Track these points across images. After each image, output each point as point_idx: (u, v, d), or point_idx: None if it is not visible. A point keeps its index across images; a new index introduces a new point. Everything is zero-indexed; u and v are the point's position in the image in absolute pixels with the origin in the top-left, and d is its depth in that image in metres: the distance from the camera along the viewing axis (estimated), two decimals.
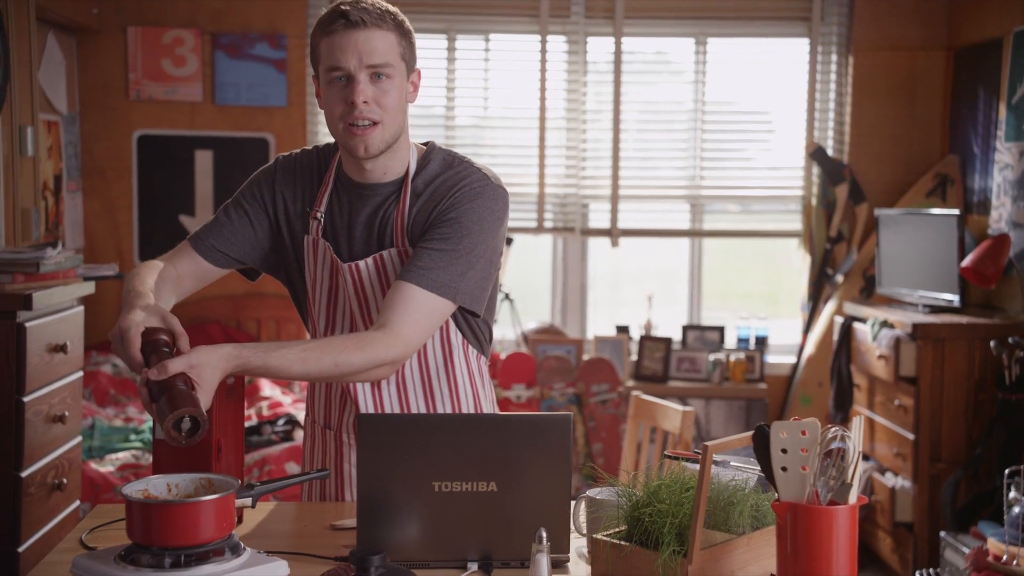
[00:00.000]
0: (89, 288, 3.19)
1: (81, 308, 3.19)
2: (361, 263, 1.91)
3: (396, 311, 1.80)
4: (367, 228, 1.93)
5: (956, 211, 4.32)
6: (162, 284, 1.88)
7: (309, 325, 2.04)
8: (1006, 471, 3.52)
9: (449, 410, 1.99)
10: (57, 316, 3.01)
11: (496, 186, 1.92)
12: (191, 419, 1.56)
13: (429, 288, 1.81)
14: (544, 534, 1.48)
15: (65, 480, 3.09)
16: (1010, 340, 3.90)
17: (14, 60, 3.80)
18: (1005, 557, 3.29)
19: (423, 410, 1.98)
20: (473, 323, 2.00)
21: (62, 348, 3.02)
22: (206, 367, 1.63)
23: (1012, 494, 3.47)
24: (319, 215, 1.94)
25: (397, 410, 1.98)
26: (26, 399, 2.85)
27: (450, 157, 1.96)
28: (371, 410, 1.96)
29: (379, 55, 1.83)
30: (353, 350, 1.75)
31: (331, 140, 1.99)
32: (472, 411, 2.02)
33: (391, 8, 1.89)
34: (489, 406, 2.06)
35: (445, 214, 1.87)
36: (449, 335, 1.97)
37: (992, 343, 3.94)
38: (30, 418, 2.86)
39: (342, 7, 1.84)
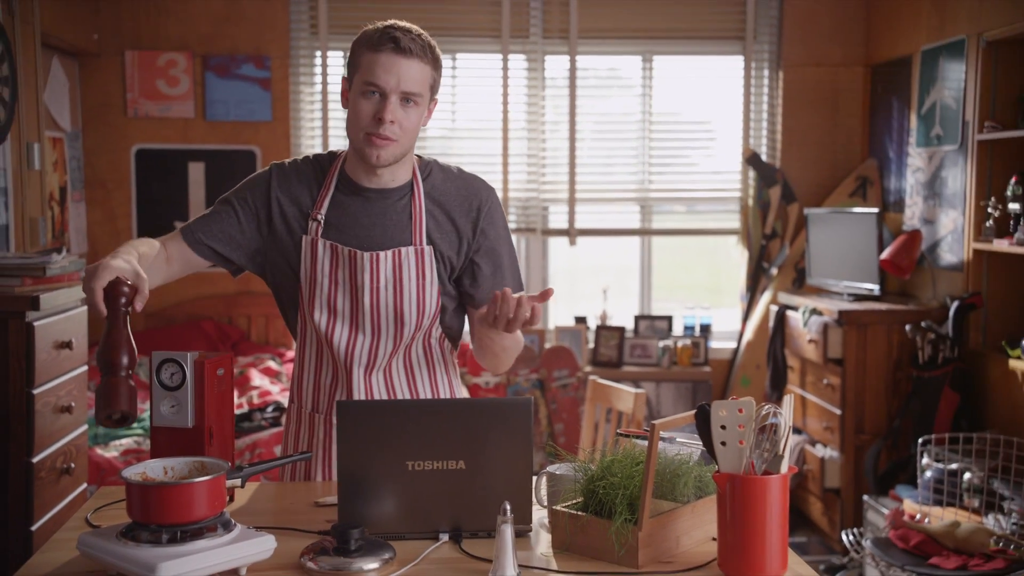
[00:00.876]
0: None
1: (84, 308, 3.15)
2: (381, 254, 1.89)
3: None
4: (378, 228, 1.91)
5: (875, 209, 4.37)
6: (151, 257, 1.85)
7: (298, 321, 1.99)
8: (920, 440, 3.56)
9: (429, 395, 2.00)
10: (63, 316, 2.97)
11: (491, 186, 2.02)
12: (121, 413, 1.56)
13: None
14: (508, 507, 1.48)
15: (73, 465, 3.05)
16: (923, 324, 3.95)
17: (21, 82, 3.74)
18: (919, 516, 3.34)
19: (407, 395, 1.98)
20: (450, 320, 2.00)
21: (68, 345, 2.98)
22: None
23: (925, 460, 3.51)
24: (319, 217, 1.91)
25: (385, 395, 1.97)
26: (35, 391, 2.81)
27: (442, 166, 1.99)
28: (363, 395, 1.95)
29: (414, 84, 1.84)
30: (515, 340, 1.95)
31: (321, 151, 1.98)
32: (447, 396, 2.02)
33: (432, 42, 1.89)
34: (461, 391, 2.09)
35: (489, 228, 1.96)
36: (439, 340, 2.00)
37: (907, 327, 3.98)
38: (39, 409, 2.83)
39: (394, 32, 1.84)
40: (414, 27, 1.88)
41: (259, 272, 2.01)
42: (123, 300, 1.60)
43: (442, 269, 1.95)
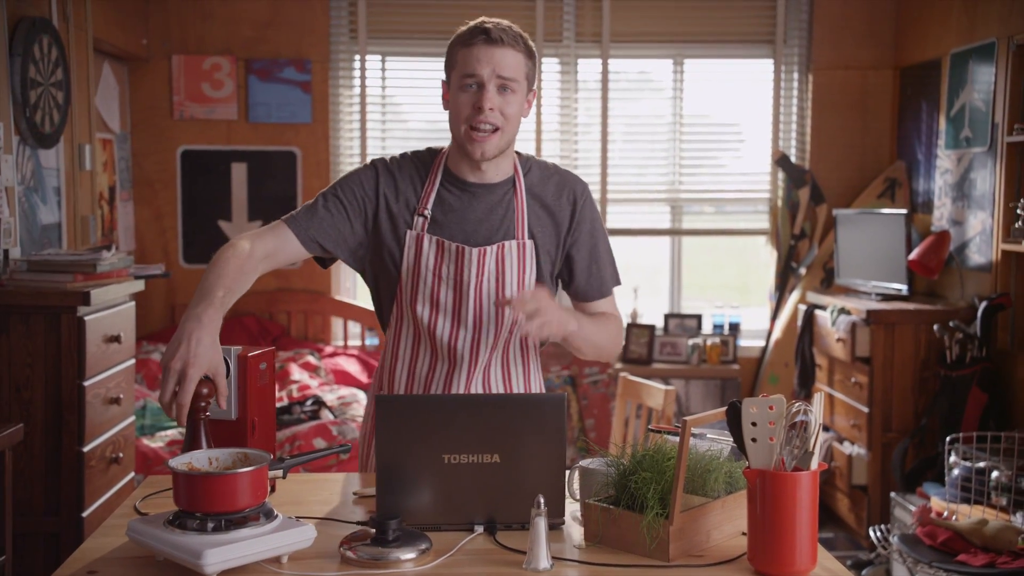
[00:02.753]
0: (139, 286, 3.19)
1: (132, 303, 3.19)
2: (488, 248, 1.90)
3: (612, 307, 2.04)
4: (485, 222, 1.92)
5: (904, 211, 4.31)
6: (244, 272, 1.78)
7: (394, 313, 1.97)
8: (947, 439, 3.52)
9: (522, 390, 2.00)
10: (112, 311, 3.01)
11: (585, 182, 2.04)
12: None
13: (617, 284, 2.07)
14: (542, 500, 1.48)
15: (121, 454, 3.09)
16: (951, 324, 3.89)
17: (74, 86, 3.80)
18: (946, 513, 3.29)
19: (501, 390, 1.97)
20: None
21: (117, 339, 3.02)
22: (554, 317, 1.78)
23: (952, 458, 3.47)
24: (426, 212, 1.91)
25: (486, 388, 1.95)
26: (86, 383, 2.85)
27: (539, 162, 2.02)
28: (476, 388, 1.94)
29: (510, 70, 1.85)
30: (615, 327, 2.01)
31: (408, 149, 2.00)
32: (536, 390, 2.03)
33: (523, 33, 1.91)
34: (539, 386, 2.07)
35: (585, 223, 1.98)
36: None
37: (935, 327, 3.93)
38: (90, 400, 2.87)
39: (485, 25, 1.87)
40: (504, 20, 1.90)
41: (357, 266, 1.98)
42: (202, 405, 1.65)
43: (543, 263, 1.96)
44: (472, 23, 1.89)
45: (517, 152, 1.99)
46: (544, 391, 2.08)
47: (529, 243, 1.93)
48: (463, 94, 1.86)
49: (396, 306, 1.97)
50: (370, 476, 1.96)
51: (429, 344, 1.95)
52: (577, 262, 1.99)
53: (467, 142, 1.87)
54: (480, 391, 1.96)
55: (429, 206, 1.92)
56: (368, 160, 1.98)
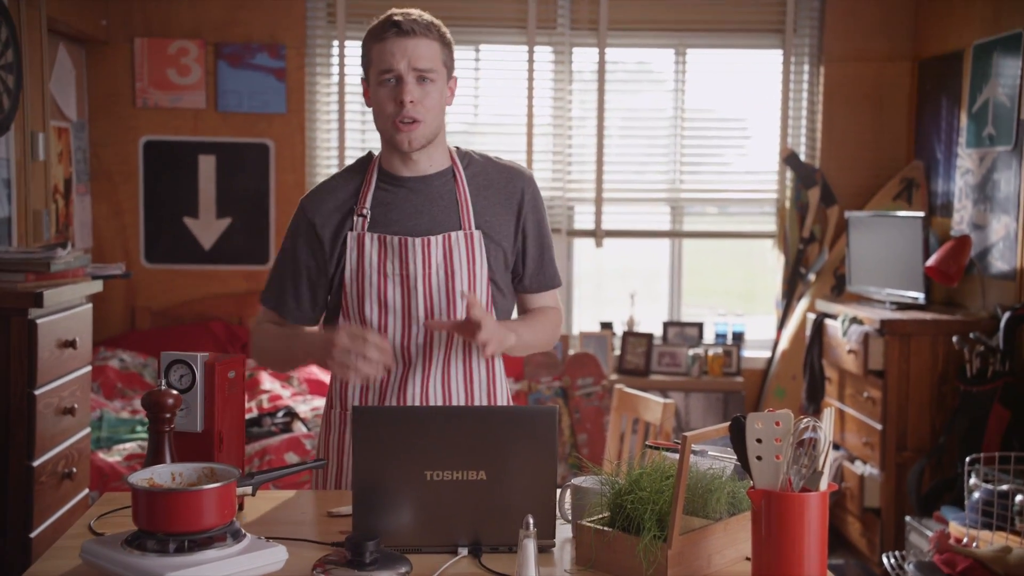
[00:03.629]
0: (97, 287, 3.17)
1: (89, 305, 3.17)
2: (432, 239, 1.98)
3: (555, 299, 2.16)
4: (425, 214, 2.01)
5: (921, 213, 4.34)
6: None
7: (341, 319, 2.04)
8: (967, 459, 3.53)
9: (485, 399, 2.05)
10: (67, 313, 3.00)
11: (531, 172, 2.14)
12: None
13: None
14: (531, 520, 1.48)
15: (75, 469, 3.07)
16: (971, 335, 3.91)
17: (27, 70, 3.78)
18: (966, 539, 3.30)
19: (462, 401, 2.03)
20: (501, 314, 2.09)
21: (71, 344, 3.01)
22: (495, 343, 1.88)
23: (972, 480, 3.48)
24: (364, 211, 2.01)
25: (441, 401, 2.00)
26: (37, 392, 2.83)
27: (480, 154, 2.11)
28: (418, 400, 1.99)
29: (425, 60, 1.96)
30: (552, 321, 2.12)
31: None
32: (501, 398, 2.08)
33: (435, 20, 2.02)
34: (506, 396, 2.15)
35: (532, 213, 2.07)
36: None
37: (954, 338, 3.95)
38: (41, 410, 2.85)
39: (394, 18, 1.97)
40: (414, 10, 2.01)
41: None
42: (167, 416, 1.71)
43: (494, 255, 2.03)
44: (382, 16, 2.00)
45: (456, 147, 2.10)
46: (510, 394, 2.14)
47: (477, 233, 2.02)
48: (382, 89, 1.97)
49: (343, 313, 2.03)
50: (345, 494, 1.96)
51: None
52: (528, 253, 2.09)
53: (394, 133, 1.97)
54: (440, 394, 2.00)
55: (367, 206, 2.02)
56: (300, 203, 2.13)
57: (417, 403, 1.99)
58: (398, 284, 1.98)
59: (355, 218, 2.01)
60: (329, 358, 1.85)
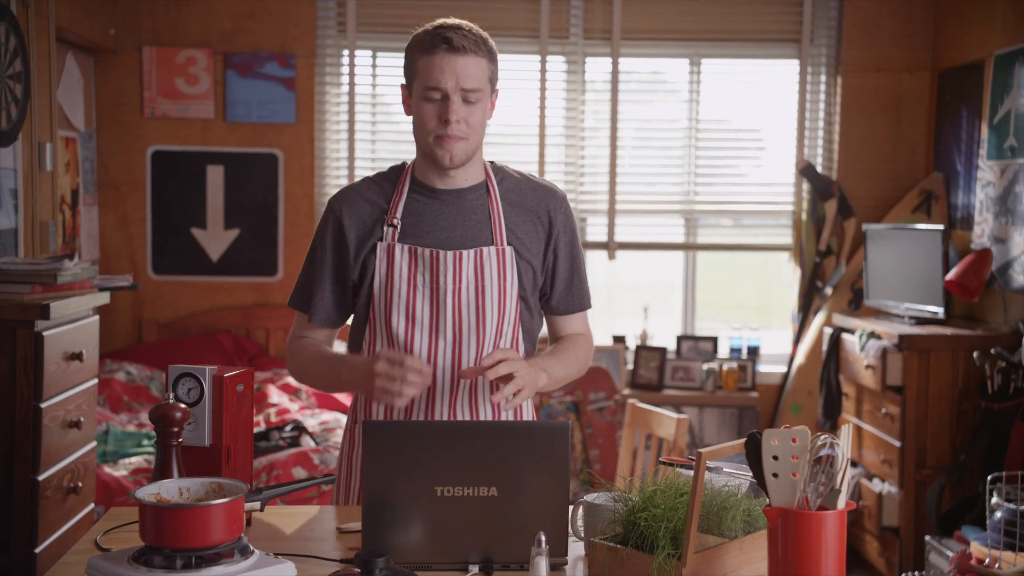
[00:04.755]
0: (104, 298, 3.19)
1: (96, 317, 3.19)
2: (464, 253, 1.98)
3: (585, 323, 2.16)
4: (458, 228, 2.01)
5: (940, 226, 4.33)
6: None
7: (366, 335, 2.04)
8: (988, 477, 3.51)
9: (511, 416, 2.05)
10: (73, 325, 3.02)
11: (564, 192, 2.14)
12: None
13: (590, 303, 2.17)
14: (543, 537, 1.48)
15: (80, 484, 3.08)
16: (992, 351, 3.90)
17: (34, 79, 3.81)
18: (988, 560, 3.29)
19: (489, 415, 2.02)
20: (527, 332, 2.09)
21: (78, 356, 3.02)
22: (530, 387, 1.88)
23: (994, 499, 3.46)
24: (395, 221, 2.00)
25: (468, 416, 2.00)
26: (43, 405, 2.85)
27: (513, 171, 2.11)
28: (446, 416, 1.99)
29: (473, 80, 1.95)
30: (582, 351, 2.11)
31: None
32: (527, 415, 2.10)
33: (484, 34, 2.01)
34: (531, 413, 2.16)
35: (564, 234, 2.07)
36: (519, 346, 2.07)
37: (975, 354, 3.93)
38: (47, 424, 2.86)
39: (446, 31, 1.96)
40: (464, 22, 1.99)
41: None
42: (174, 430, 1.72)
43: (524, 274, 2.03)
44: (431, 26, 1.98)
45: (491, 161, 2.10)
46: (534, 415, 2.15)
47: (509, 249, 2.02)
48: (428, 105, 1.96)
49: (369, 325, 2.03)
50: (355, 509, 1.96)
51: None
52: (559, 273, 2.09)
53: (435, 148, 1.97)
54: (466, 410, 2.00)
55: (398, 215, 2.01)
56: (330, 201, 2.10)
57: (445, 419, 1.98)
58: (427, 297, 1.98)
59: (385, 227, 2.00)
60: (371, 387, 1.84)
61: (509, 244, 2.02)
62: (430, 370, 1.91)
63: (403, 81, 2.04)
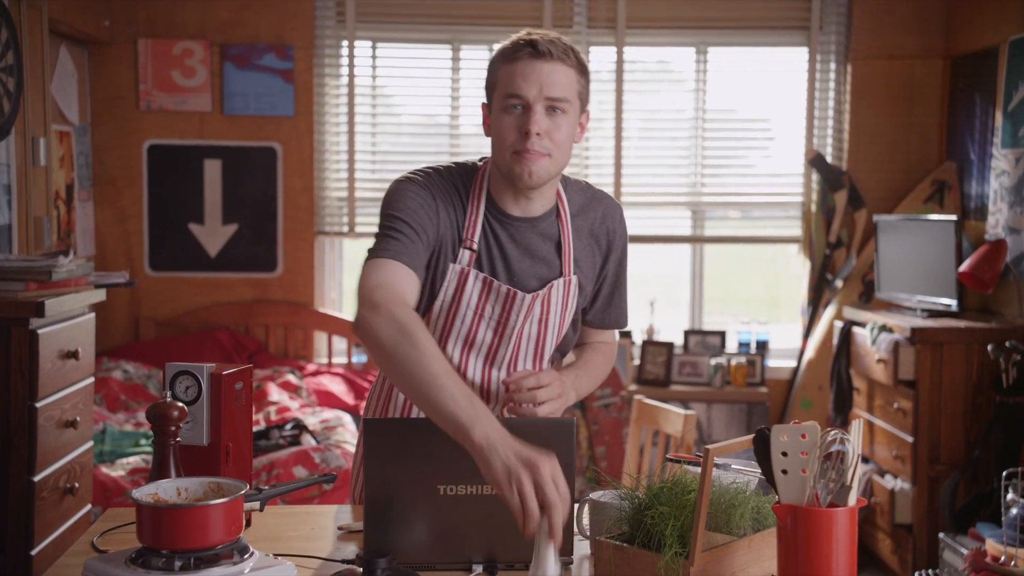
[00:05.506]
0: (100, 295, 3.19)
1: (92, 315, 3.20)
2: (540, 292, 1.90)
3: (611, 332, 2.12)
4: (527, 259, 1.91)
5: (954, 217, 4.32)
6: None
7: None
8: (1004, 473, 3.51)
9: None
10: (69, 323, 3.02)
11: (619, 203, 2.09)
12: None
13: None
14: (546, 522, 1.47)
15: (77, 484, 3.09)
16: (1007, 344, 3.89)
17: (27, 72, 3.82)
18: (1003, 558, 3.28)
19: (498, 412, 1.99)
20: (573, 343, 2.07)
21: (74, 354, 3.02)
22: (562, 409, 1.86)
23: (1010, 496, 3.46)
24: (473, 246, 1.88)
25: None
26: (38, 405, 2.85)
27: (572, 181, 2.01)
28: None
29: (559, 88, 1.82)
30: (606, 362, 2.08)
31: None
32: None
33: (574, 46, 1.88)
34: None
35: (616, 253, 2.03)
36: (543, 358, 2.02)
37: (989, 347, 3.93)
38: (42, 423, 2.87)
39: (531, 37, 1.83)
40: (552, 32, 1.87)
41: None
42: (172, 429, 1.70)
43: (581, 299, 2.00)
44: (516, 36, 1.85)
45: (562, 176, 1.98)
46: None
47: (574, 279, 1.96)
48: (507, 116, 1.82)
49: None
50: (357, 509, 1.96)
51: None
52: (602, 291, 2.04)
53: (514, 164, 1.82)
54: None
55: (476, 238, 1.88)
56: (408, 175, 1.90)
57: None
58: (492, 329, 1.91)
59: (461, 249, 1.88)
60: (494, 480, 1.50)
61: (574, 274, 1.95)
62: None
63: (485, 100, 1.91)
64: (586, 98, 1.90)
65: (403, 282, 1.75)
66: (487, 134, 1.89)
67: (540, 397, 1.81)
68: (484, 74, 1.92)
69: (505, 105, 1.82)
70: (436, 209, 1.85)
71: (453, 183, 1.90)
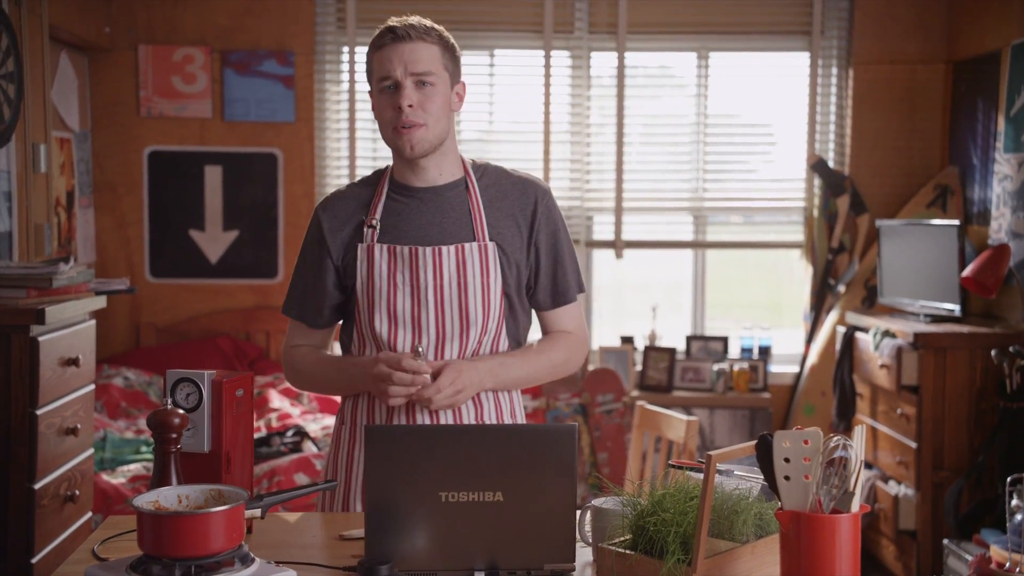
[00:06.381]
0: (101, 302, 3.20)
1: (93, 322, 3.20)
2: (444, 248, 2.01)
3: (575, 320, 2.14)
4: (436, 225, 2.04)
5: (956, 222, 4.32)
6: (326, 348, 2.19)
7: (355, 341, 2.09)
8: (1008, 479, 3.51)
9: (493, 416, 2.07)
10: (69, 330, 3.02)
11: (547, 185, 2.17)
12: None
13: (581, 292, 2.15)
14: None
15: (77, 492, 3.09)
16: (1011, 349, 3.89)
17: (28, 79, 3.82)
18: (1008, 564, 3.28)
19: (472, 420, 2.04)
20: (513, 330, 2.09)
21: (74, 362, 3.03)
22: (471, 388, 1.95)
23: (1014, 502, 3.46)
24: (374, 222, 2.05)
25: (450, 419, 2.03)
26: (39, 412, 2.85)
27: (496, 167, 2.14)
28: (428, 419, 2.01)
29: (423, 64, 2.00)
30: (559, 350, 2.10)
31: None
32: (519, 416, 2.12)
33: (436, 26, 2.06)
34: (518, 407, 2.18)
35: (546, 226, 2.08)
36: (500, 345, 2.08)
37: (993, 352, 3.92)
38: (43, 431, 2.87)
39: (391, 24, 2.03)
40: (414, 17, 2.05)
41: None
42: (172, 436, 1.73)
43: (508, 272, 2.05)
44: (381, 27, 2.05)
45: (472, 160, 2.14)
46: (523, 413, 2.16)
47: (492, 245, 2.03)
48: (383, 98, 2.02)
49: (356, 327, 2.07)
50: (358, 516, 1.96)
51: None
52: (541, 267, 2.10)
53: (396, 139, 2.01)
54: (448, 417, 2.02)
55: (377, 216, 2.06)
56: (318, 205, 2.19)
57: (427, 421, 2.01)
58: (408, 295, 2.01)
59: (365, 229, 2.05)
60: (375, 389, 1.94)
61: (491, 240, 2.04)
62: (429, 370, 1.93)
63: (369, 88, 2.09)
64: (455, 70, 2.07)
65: (293, 334, 2.17)
66: (376, 118, 2.07)
67: (406, 380, 1.92)
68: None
69: (380, 88, 2.02)
70: (322, 234, 2.08)
71: (359, 185, 2.13)
